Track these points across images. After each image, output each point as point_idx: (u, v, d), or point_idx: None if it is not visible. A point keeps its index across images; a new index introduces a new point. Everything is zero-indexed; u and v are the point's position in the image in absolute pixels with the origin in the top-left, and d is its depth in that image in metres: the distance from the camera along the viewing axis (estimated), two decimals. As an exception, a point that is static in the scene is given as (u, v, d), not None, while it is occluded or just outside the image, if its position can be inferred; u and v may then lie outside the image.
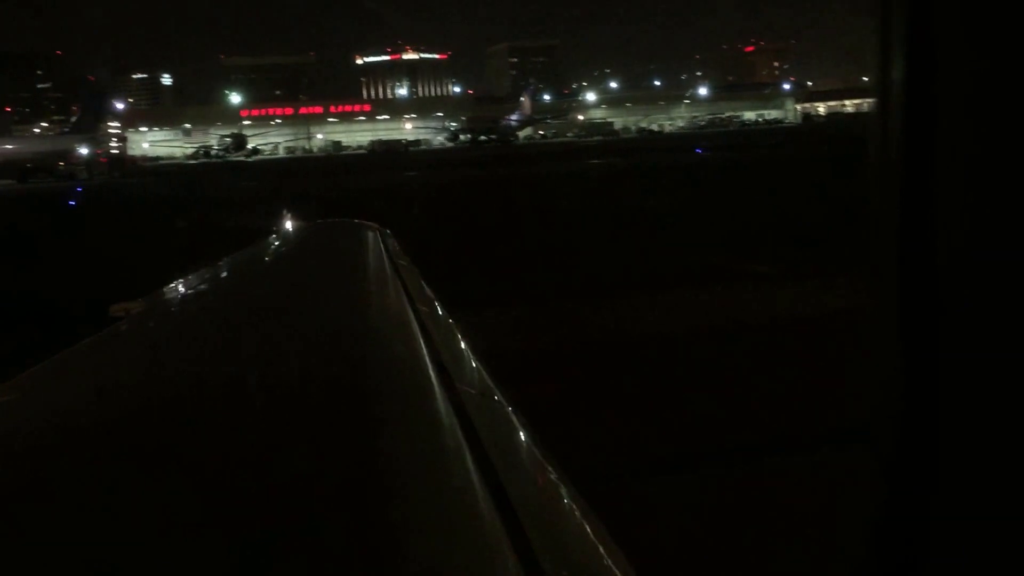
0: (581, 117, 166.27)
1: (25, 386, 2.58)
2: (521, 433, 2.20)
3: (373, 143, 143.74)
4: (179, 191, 57.81)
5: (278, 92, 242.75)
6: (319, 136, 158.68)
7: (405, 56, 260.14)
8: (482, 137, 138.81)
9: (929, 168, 0.93)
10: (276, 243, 6.75)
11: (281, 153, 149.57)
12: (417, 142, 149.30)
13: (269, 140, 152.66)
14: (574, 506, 1.75)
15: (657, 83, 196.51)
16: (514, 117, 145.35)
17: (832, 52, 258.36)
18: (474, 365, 2.91)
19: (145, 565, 1.31)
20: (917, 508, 0.98)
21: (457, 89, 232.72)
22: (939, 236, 0.93)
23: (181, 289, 4.80)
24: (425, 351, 2.70)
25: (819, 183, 29.30)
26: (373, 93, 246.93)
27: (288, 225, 7.43)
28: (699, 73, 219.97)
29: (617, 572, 1.50)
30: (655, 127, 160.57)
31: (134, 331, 3.63)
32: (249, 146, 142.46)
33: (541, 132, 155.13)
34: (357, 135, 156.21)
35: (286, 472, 1.67)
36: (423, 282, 4.55)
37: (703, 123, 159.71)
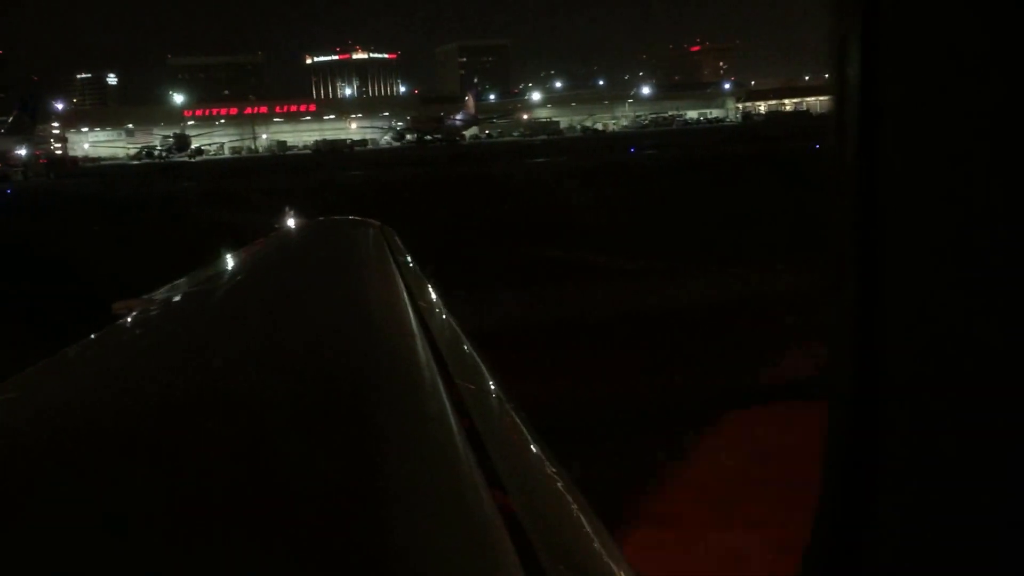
0: (527, 116, 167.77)
1: (27, 383, 2.57)
2: (521, 429, 2.23)
3: (318, 143, 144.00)
4: (108, 191, 58.38)
5: (226, 92, 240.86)
6: (263, 136, 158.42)
7: (355, 56, 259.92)
8: (428, 137, 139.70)
9: (880, 166, 0.95)
10: (278, 240, 6.73)
11: (227, 153, 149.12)
12: (364, 142, 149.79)
13: (214, 140, 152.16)
14: (573, 503, 1.77)
15: (602, 83, 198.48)
16: (459, 117, 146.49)
17: (775, 52, 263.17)
18: (475, 362, 2.92)
19: (147, 564, 1.30)
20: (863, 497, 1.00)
21: (404, 89, 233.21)
22: (888, 235, 0.96)
23: (183, 286, 4.80)
24: (426, 348, 2.74)
25: (733, 182, 30.91)
26: (323, 93, 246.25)
27: (290, 222, 7.45)
28: (642, 74, 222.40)
29: (616, 569, 1.51)
30: (599, 126, 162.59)
31: (136, 329, 3.63)
32: (193, 146, 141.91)
33: (488, 131, 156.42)
34: (304, 135, 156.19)
35: (287, 470, 1.68)
36: (424, 279, 4.58)
37: (646, 122, 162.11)
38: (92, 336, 3.21)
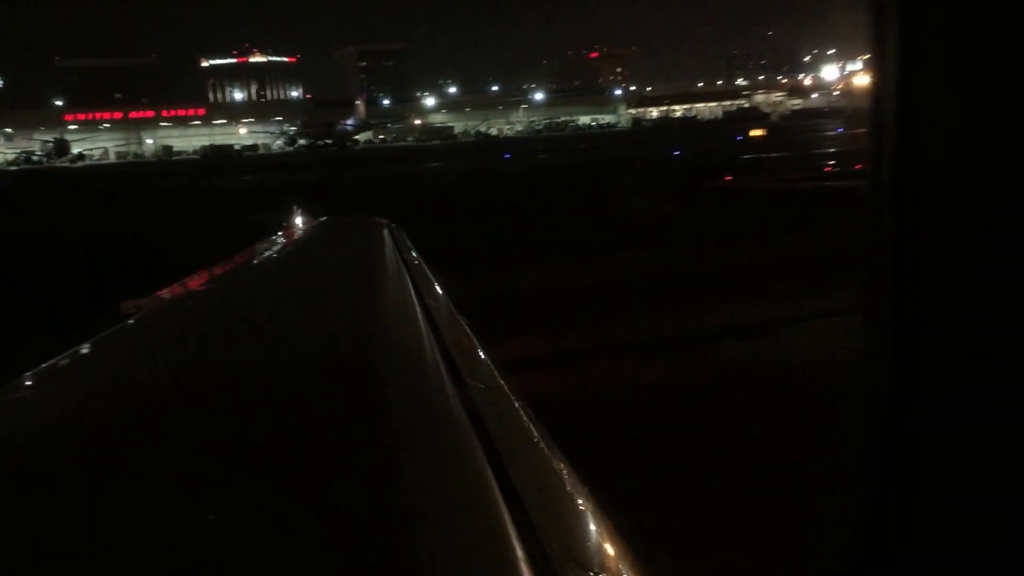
0: (419, 122, 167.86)
1: (35, 383, 2.55)
2: (530, 427, 2.21)
3: (205, 148, 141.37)
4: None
5: (118, 95, 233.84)
6: (148, 141, 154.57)
7: (252, 59, 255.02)
8: (319, 142, 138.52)
9: (917, 171, 0.96)
10: (286, 239, 6.67)
11: (112, 158, 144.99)
12: (255, 147, 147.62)
13: (99, 145, 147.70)
14: (581, 499, 1.77)
15: (496, 88, 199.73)
16: (350, 122, 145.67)
17: (673, 59, 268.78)
18: (483, 359, 2.90)
19: (157, 563, 1.30)
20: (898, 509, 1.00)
21: (295, 93, 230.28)
22: (926, 238, 0.96)
23: (192, 285, 4.76)
24: (434, 345, 2.74)
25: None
26: (220, 96, 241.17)
27: (298, 221, 7.43)
28: (541, 80, 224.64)
29: (623, 565, 1.51)
30: (494, 131, 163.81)
31: (145, 328, 3.59)
32: (74, 151, 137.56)
33: (381, 136, 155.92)
34: (193, 140, 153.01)
35: (296, 466, 1.67)
36: (433, 277, 4.55)
37: (539, 127, 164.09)
38: (101, 335, 3.17)
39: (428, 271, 4.72)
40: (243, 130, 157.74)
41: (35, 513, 1.51)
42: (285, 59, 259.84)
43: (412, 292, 3.79)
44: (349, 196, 38.83)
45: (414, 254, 5.30)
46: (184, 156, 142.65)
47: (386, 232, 6.06)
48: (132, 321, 3.62)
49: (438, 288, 4.23)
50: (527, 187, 41.68)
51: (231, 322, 3.50)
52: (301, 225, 7.47)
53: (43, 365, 2.65)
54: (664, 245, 19.83)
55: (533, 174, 53.13)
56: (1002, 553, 0.90)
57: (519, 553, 1.32)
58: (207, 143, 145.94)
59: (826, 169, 41.33)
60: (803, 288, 13.60)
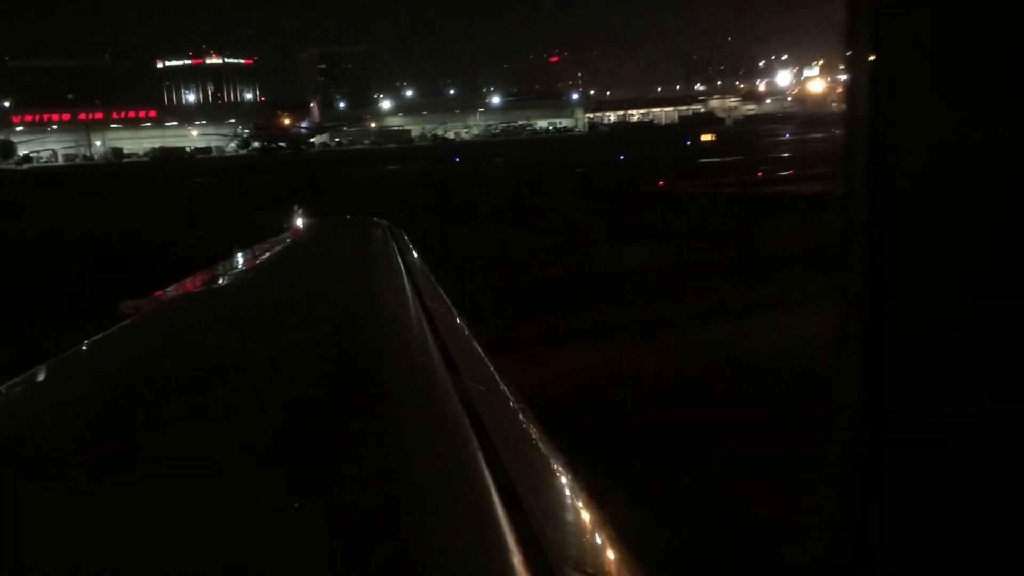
0: (374, 125, 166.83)
1: (34, 383, 2.55)
2: (530, 430, 2.23)
3: (155, 150, 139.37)
4: None
5: (71, 96, 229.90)
6: (98, 143, 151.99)
7: (209, 60, 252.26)
8: (273, 145, 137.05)
9: (889, 172, 0.97)
10: (286, 239, 6.65)
11: (61, 161, 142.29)
12: (208, 149, 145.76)
13: (47, 147, 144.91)
14: (581, 502, 1.78)
15: (452, 92, 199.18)
16: (304, 124, 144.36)
17: (633, 64, 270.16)
18: (484, 362, 2.91)
19: (157, 565, 1.30)
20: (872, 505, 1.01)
21: (249, 96, 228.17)
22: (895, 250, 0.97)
23: (191, 286, 4.74)
24: (434, 348, 2.74)
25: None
26: (177, 98, 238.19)
27: (298, 221, 7.38)
28: (494, 86, 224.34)
29: (623, 568, 1.52)
30: (451, 135, 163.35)
31: (145, 328, 3.58)
32: (20, 153, 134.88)
33: (337, 139, 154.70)
34: (145, 142, 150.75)
35: (296, 468, 1.68)
36: (433, 278, 4.55)
37: (497, 131, 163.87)
38: (100, 335, 3.17)
39: (429, 273, 4.73)
40: (195, 132, 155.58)
41: (35, 515, 1.51)
42: (242, 61, 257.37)
43: (413, 294, 3.79)
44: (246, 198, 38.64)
45: (415, 255, 5.27)
46: (135, 159, 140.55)
47: (386, 232, 6.04)
48: (131, 321, 3.63)
49: (439, 290, 4.23)
50: (464, 190, 41.52)
51: (230, 323, 3.49)
52: (301, 225, 7.42)
53: (39, 366, 2.65)
54: (561, 250, 19.84)
55: (475, 177, 52.98)
56: (979, 553, 0.91)
57: (517, 557, 1.33)
58: (155, 146, 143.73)
59: (757, 175, 41.43)
60: (645, 297, 13.81)
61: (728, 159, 54.01)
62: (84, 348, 3.00)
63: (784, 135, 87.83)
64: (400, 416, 2.07)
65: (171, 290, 4.68)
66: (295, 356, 2.69)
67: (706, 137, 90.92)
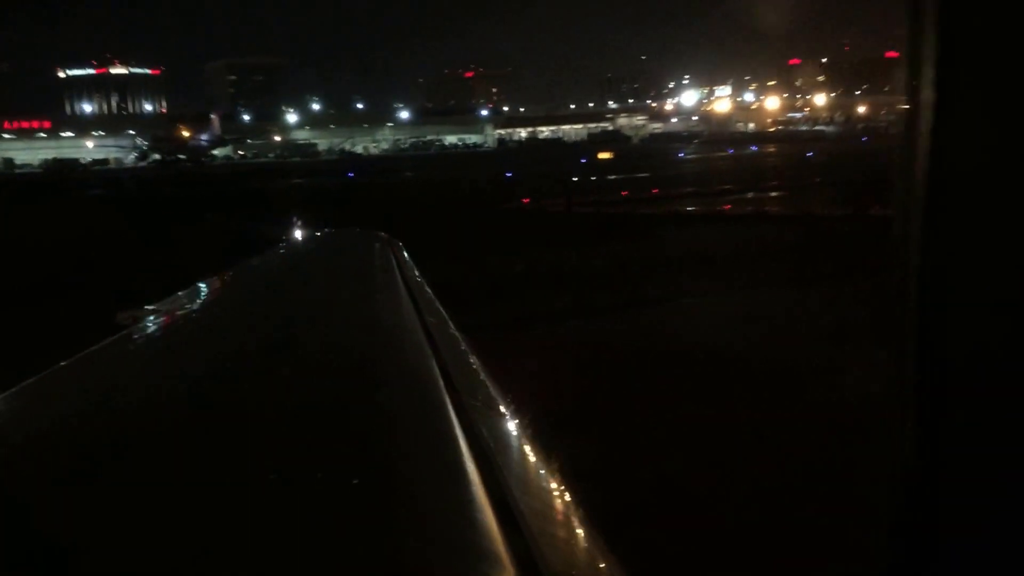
0: (279, 138, 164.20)
1: (33, 392, 2.56)
2: (525, 444, 2.23)
3: (47, 162, 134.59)
4: None
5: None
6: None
7: (113, 70, 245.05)
8: (171, 157, 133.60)
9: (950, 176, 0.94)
10: (285, 251, 6.66)
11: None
12: (105, 161, 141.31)
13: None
14: (575, 515, 1.79)
15: (360, 106, 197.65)
16: (204, 137, 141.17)
17: (548, 80, 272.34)
18: (480, 377, 2.91)
19: (158, 567, 1.32)
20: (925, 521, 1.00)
21: (149, 108, 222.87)
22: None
23: (189, 297, 4.69)
24: (432, 361, 2.73)
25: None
26: (78, 109, 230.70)
27: (297, 233, 7.33)
28: (406, 101, 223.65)
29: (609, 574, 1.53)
30: (359, 149, 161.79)
31: (142, 339, 3.59)
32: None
33: (241, 152, 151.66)
34: (40, 153, 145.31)
35: (295, 479, 1.68)
36: (429, 290, 4.54)
37: (405, 146, 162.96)
38: (98, 346, 3.17)
39: (427, 287, 4.71)
40: (91, 143, 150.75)
41: (34, 518, 1.53)
42: (148, 71, 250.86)
43: (410, 306, 3.78)
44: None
45: (413, 267, 5.28)
46: (29, 170, 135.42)
47: (384, 245, 6.05)
48: (129, 332, 3.63)
49: (437, 304, 4.23)
50: (337, 203, 41.16)
51: (228, 335, 3.47)
52: (300, 237, 7.40)
53: (38, 375, 2.70)
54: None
55: (353, 191, 52.47)
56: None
57: (511, 569, 1.35)
58: (48, 157, 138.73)
59: (623, 193, 41.90)
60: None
61: (610, 177, 54.62)
62: (82, 358, 3.02)
63: (678, 154, 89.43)
64: (397, 428, 2.10)
65: (167, 302, 4.66)
66: (293, 369, 2.69)
67: (603, 155, 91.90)
